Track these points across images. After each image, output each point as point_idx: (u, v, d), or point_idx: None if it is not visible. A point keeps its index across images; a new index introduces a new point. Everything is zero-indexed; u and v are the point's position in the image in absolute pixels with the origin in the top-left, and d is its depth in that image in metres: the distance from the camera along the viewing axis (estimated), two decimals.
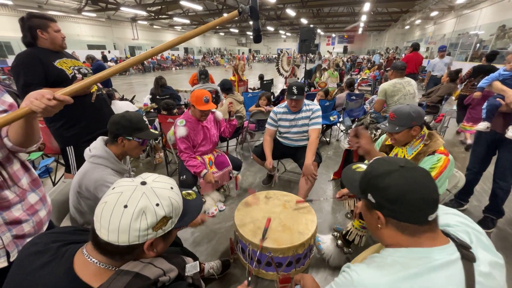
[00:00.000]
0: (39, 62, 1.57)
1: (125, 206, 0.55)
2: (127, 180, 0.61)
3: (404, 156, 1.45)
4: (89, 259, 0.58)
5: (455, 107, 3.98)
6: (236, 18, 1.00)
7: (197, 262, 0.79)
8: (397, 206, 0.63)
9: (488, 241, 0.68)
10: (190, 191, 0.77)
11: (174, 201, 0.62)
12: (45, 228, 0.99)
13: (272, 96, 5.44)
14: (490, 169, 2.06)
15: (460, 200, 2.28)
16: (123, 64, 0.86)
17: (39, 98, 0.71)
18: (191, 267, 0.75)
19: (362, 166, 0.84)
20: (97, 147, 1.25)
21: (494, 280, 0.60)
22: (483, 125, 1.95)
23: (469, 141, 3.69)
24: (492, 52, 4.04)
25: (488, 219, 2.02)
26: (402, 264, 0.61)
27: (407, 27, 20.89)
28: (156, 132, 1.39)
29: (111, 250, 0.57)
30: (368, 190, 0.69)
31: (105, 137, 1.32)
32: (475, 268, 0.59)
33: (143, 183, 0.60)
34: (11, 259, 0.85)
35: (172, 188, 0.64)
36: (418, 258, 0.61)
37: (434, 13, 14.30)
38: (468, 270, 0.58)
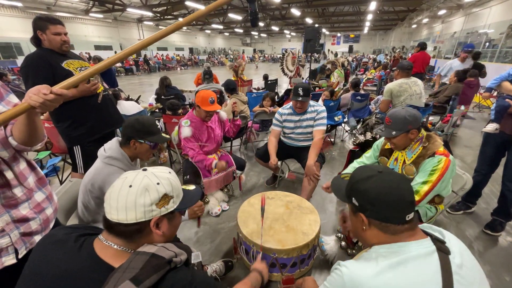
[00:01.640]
0: (47, 63, 1.60)
1: (130, 186, 0.64)
2: (131, 171, 0.70)
3: (404, 160, 1.44)
4: (106, 243, 0.65)
5: (463, 107, 3.91)
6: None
7: (199, 252, 0.89)
8: (377, 207, 0.70)
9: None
10: (189, 185, 0.84)
11: (173, 182, 0.70)
12: (51, 225, 1.00)
13: (276, 96, 5.44)
14: (499, 170, 2.02)
15: (467, 202, 2.23)
16: (120, 55, 0.87)
17: (36, 93, 0.72)
18: (195, 256, 0.84)
19: (349, 175, 0.88)
20: (112, 148, 1.28)
21: (467, 268, 0.65)
22: (491, 127, 1.90)
23: (458, 121, 4.29)
24: (477, 52, 4.92)
25: (497, 222, 1.98)
26: (384, 256, 0.68)
27: (414, 26, 20.60)
28: (168, 136, 1.41)
29: (123, 230, 0.64)
30: (352, 194, 0.76)
31: (120, 139, 1.34)
32: (451, 261, 0.64)
33: (144, 169, 0.70)
34: (19, 256, 0.87)
35: (170, 172, 0.73)
36: (397, 250, 0.68)
37: (442, 12, 14.05)
38: (444, 261, 0.64)
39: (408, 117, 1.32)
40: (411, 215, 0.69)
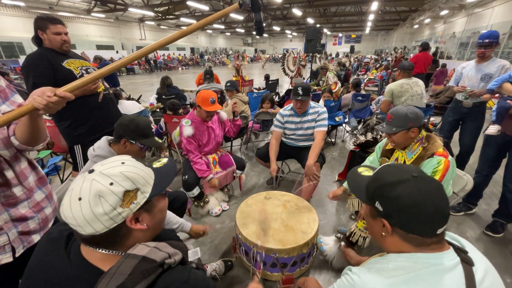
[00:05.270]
0: (47, 62, 1.61)
1: (80, 199, 0.55)
2: (78, 176, 0.61)
3: (404, 161, 1.44)
4: (91, 248, 0.60)
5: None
6: (238, 10, 1.01)
7: (198, 248, 0.80)
8: (407, 217, 0.62)
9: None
10: (161, 160, 0.75)
11: (130, 174, 0.60)
12: (50, 224, 1.01)
13: (277, 96, 5.44)
14: (500, 172, 2.01)
15: (468, 203, 2.22)
16: (124, 60, 0.87)
17: (40, 95, 0.73)
18: (193, 253, 0.78)
19: (368, 170, 0.83)
20: (101, 147, 1.26)
21: (490, 280, 0.61)
22: (493, 129, 1.89)
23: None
24: (436, 50, 6.46)
25: (498, 224, 1.97)
26: (403, 268, 0.61)
27: (416, 26, 20.54)
28: (160, 141, 1.40)
29: (99, 239, 0.58)
30: (376, 197, 0.67)
31: (109, 137, 1.33)
32: (474, 272, 0.59)
33: (91, 171, 0.59)
34: (16, 255, 0.88)
35: (123, 163, 0.62)
36: (420, 262, 0.61)
37: (444, 12, 14.00)
38: (468, 273, 0.59)
39: (410, 114, 1.32)
40: (443, 229, 0.62)
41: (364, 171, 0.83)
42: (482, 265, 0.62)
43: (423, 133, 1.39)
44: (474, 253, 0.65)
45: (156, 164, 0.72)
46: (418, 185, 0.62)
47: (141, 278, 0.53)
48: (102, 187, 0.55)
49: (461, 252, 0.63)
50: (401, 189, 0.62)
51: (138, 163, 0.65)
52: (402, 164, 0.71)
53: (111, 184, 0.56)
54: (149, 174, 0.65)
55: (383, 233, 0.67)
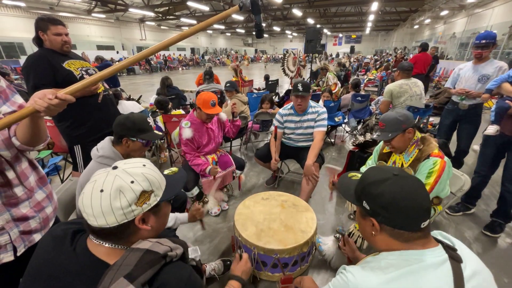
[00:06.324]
0: (48, 63, 1.62)
1: (101, 191, 0.59)
2: (101, 170, 0.65)
3: (402, 164, 1.45)
4: (97, 242, 0.63)
5: None
6: (237, 12, 1.01)
7: (197, 247, 0.85)
8: (391, 212, 0.65)
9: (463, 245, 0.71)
10: (172, 168, 0.80)
11: (150, 176, 0.65)
12: (51, 224, 1.02)
13: (277, 97, 5.45)
14: (499, 172, 2.01)
15: (467, 203, 2.23)
16: (124, 63, 0.87)
17: (41, 98, 0.74)
18: (193, 251, 0.81)
19: (358, 175, 0.86)
20: (104, 147, 1.27)
21: (479, 277, 0.62)
22: (492, 129, 1.89)
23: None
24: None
25: (496, 224, 1.98)
26: (394, 265, 0.65)
27: (416, 26, 20.55)
28: (160, 133, 1.40)
29: (107, 233, 0.61)
30: (363, 197, 0.71)
31: (113, 137, 1.34)
32: (462, 269, 0.62)
33: (114, 167, 0.64)
34: (18, 254, 0.89)
35: (144, 165, 0.67)
36: (410, 259, 0.64)
37: (444, 12, 14.01)
38: (456, 270, 0.61)
39: (400, 117, 1.34)
40: (426, 223, 0.65)
41: (354, 175, 0.87)
42: (472, 262, 0.64)
43: (418, 135, 1.40)
44: (464, 251, 0.67)
45: (167, 172, 0.76)
46: (399, 182, 0.66)
47: (147, 267, 0.57)
48: (124, 183, 0.60)
49: (449, 249, 0.66)
50: (383, 186, 0.67)
51: (155, 168, 0.70)
52: (385, 166, 0.75)
53: (132, 182, 0.61)
54: (162, 179, 0.70)
55: (373, 232, 0.71)
